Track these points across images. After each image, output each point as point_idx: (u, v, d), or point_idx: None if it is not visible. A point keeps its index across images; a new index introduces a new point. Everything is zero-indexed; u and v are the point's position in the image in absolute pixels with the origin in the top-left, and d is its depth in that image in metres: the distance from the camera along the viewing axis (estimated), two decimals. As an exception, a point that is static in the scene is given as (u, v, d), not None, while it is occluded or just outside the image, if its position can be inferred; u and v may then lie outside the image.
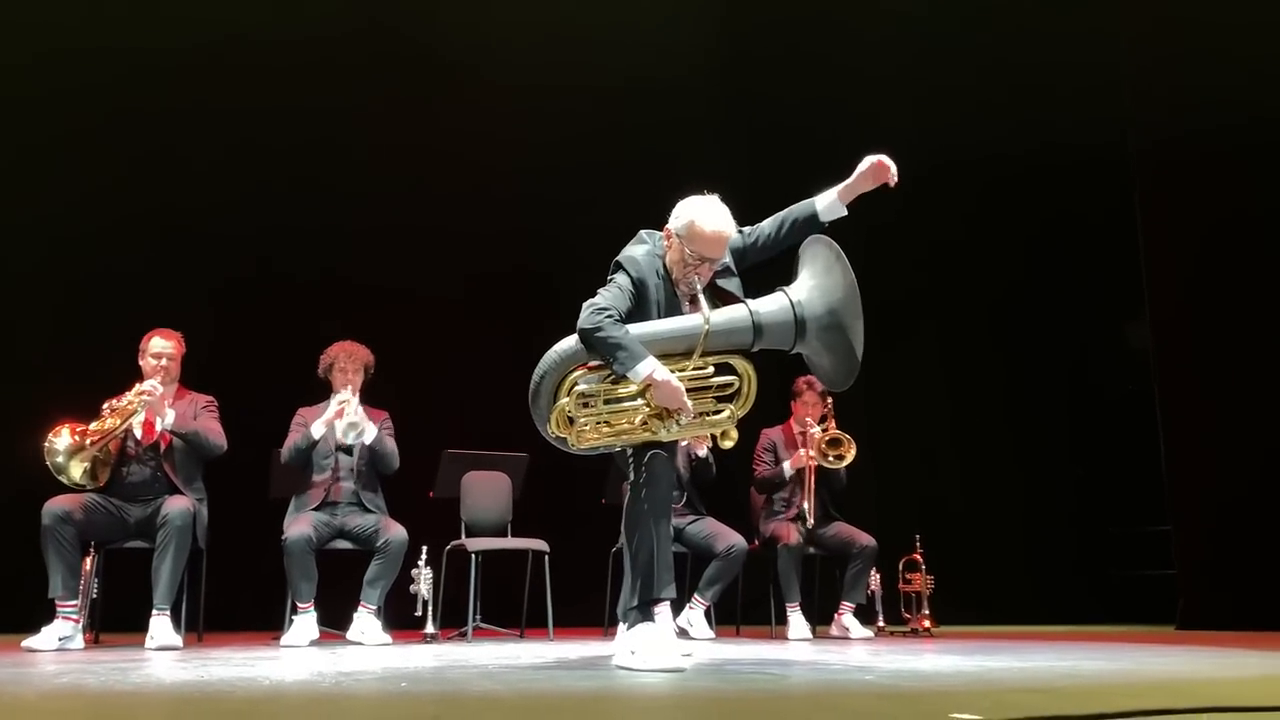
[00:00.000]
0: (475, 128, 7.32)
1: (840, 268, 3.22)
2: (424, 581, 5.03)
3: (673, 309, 3.39)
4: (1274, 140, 5.99)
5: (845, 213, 3.42)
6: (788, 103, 7.87)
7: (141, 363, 4.95)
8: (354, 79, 7.23)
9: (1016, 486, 8.00)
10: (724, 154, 7.48)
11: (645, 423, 3.21)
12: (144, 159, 6.75)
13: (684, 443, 5.27)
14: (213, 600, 5.15)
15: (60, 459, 4.60)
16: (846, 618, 5.59)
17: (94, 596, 4.90)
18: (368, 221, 7.12)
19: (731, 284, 3.44)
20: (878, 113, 7.57)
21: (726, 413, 3.31)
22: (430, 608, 5.04)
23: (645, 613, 3.22)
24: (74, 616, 4.54)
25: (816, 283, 3.27)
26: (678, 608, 5.33)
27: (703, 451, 5.52)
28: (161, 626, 4.53)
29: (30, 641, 4.42)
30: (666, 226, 3.41)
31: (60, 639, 4.45)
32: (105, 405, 4.83)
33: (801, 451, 5.66)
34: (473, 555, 5.31)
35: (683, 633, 5.27)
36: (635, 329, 3.21)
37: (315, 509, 5.08)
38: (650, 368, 3.13)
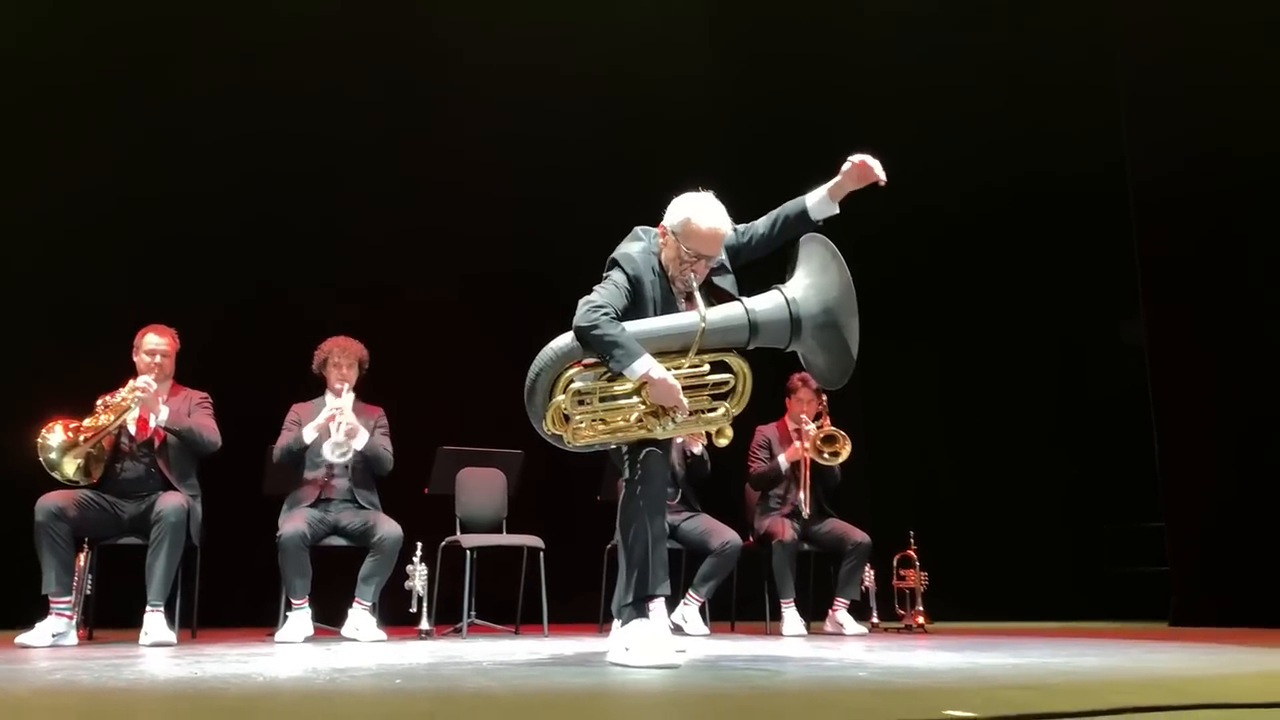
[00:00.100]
0: (473, 126, 7.33)
1: (836, 266, 3.23)
2: (419, 578, 5.03)
3: (668, 306, 3.39)
4: (1269, 139, 6.00)
5: (836, 210, 3.41)
6: (784, 100, 7.88)
7: (136, 359, 4.94)
8: (352, 76, 7.23)
9: (1011, 483, 8.02)
10: (721, 152, 7.48)
11: (641, 420, 3.21)
12: (137, 156, 6.74)
13: (679, 440, 5.28)
14: (207, 596, 5.14)
15: (54, 455, 4.59)
16: (841, 614, 5.60)
17: (87, 593, 4.88)
18: (364, 219, 7.12)
19: (726, 281, 3.45)
20: (875, 111, 7.59)
21: (721, 410, 3.31)
22: (425, 604, 5.04)
23: (639, 609, 3.23)
24: (68, 613, 4.53)
25: (812, 281, 3.27)
26: (672, 604, 5.33)
27: (698, 449, 5.53)
28: (155, 623, 4.53)
29: (24, 638, 4.41)
30: (662, 224, 3.41)
31: (54, 635, 4.44)
32: (99, 402, 4.82)
33: (797, 444, 5.67)
34: (468, 551, 5.30)
35: (677, 629, 5.28)
36: (631, 327, 3.21)
37: (310, 505, 5.07)
38: (646, 366, 3.13)
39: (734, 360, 3.30)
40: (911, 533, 6.04)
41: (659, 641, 3.22)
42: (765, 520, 5.68)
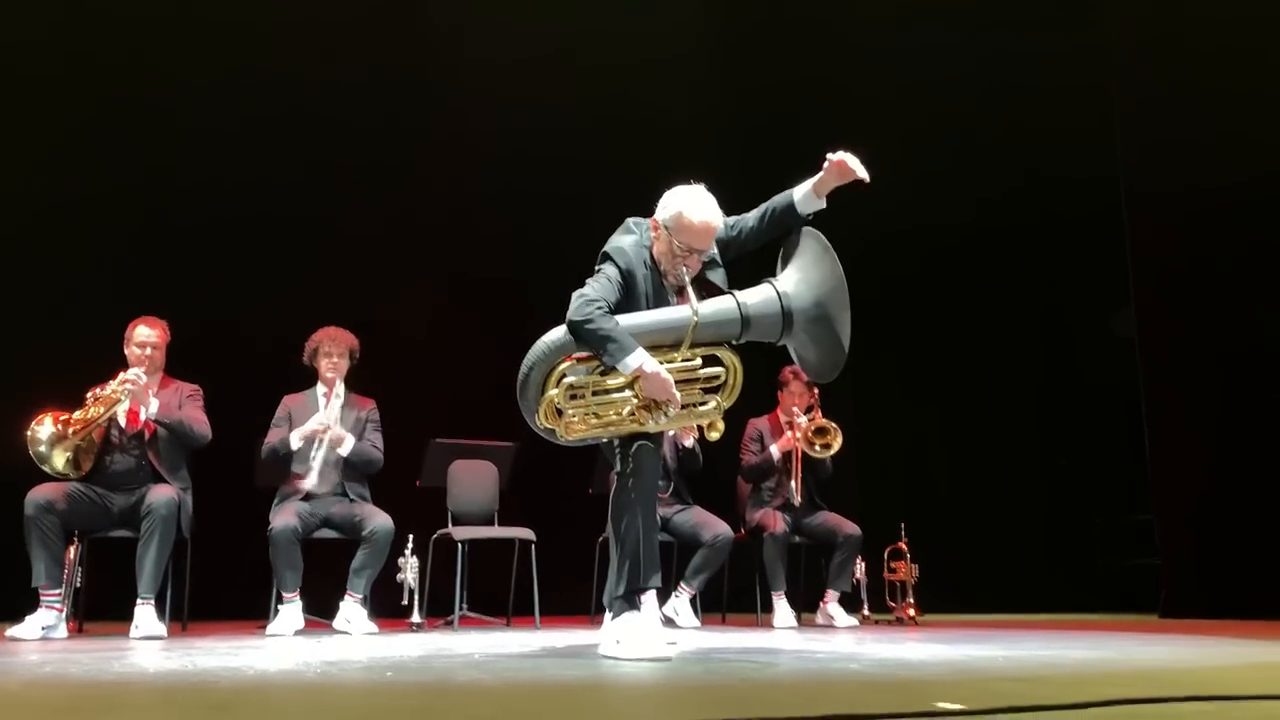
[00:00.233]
0: (467, 122, 7.31)
1: (829, 260, 3.23)
2: (410, 570, 5.02)
3: (660, 300, 3.39)
4: (1261, 132, 6.01)
5: (822, 205, 3.41)
6: (781, 98, 7.87)
7: (126, 351, 4.92)
8: (350, 72, 7.21)
9: (1001, 476, 8.04)
10: (716, 152, 7.45)
11: (633, 414, 3.21)
12: (127, 146, 6.71)
13: (671, 433, 5.28)
14: (197, 589, 5.14)
15: (43, 448, 4.58)
16: (832, 606, 5.61)
17: (77, 585, 4.87)
18: (357, 210, 7.10)
19: (716, 275, 3.45)
20: (875, 111, 7.58)
21: (713, 404, 3.31)
22: (416, 596, 5.04)
23: (631, 602, 3.23)
24: (57, 605, 4.52)
25: (804, 275, 3.27)
26: (664, 596, 5.34)
27: (689, 442, 5.53)
28: (146, 616, 4.52)
29: (13, 630, 4.40)
30: (654, 217, 3.40)
31: (44, 628, 4.43)
32: (89, 394, 4.80)
33: (789, 434, 5.68)
34: (459, 544, 5.30)
35: (669, 621, 5.29)
36: (624, 320, 3.21)
37: (301, 499, 5.06)
38: (640, 360, 3.13)
39: (725, 354, 3.30)
40: (903, 525, 6.05)
41: (650, 634, 3.22)
42: (757, 513, 5.70)
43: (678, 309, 3.31)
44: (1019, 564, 7.73)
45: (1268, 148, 5.96)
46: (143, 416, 4.82)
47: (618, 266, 3.33)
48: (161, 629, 4.55)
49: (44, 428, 4.59)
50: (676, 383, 3.20)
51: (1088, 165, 7.39)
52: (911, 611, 5.91)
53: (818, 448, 5.60)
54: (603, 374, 3.22)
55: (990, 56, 7.76)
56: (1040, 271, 8.22)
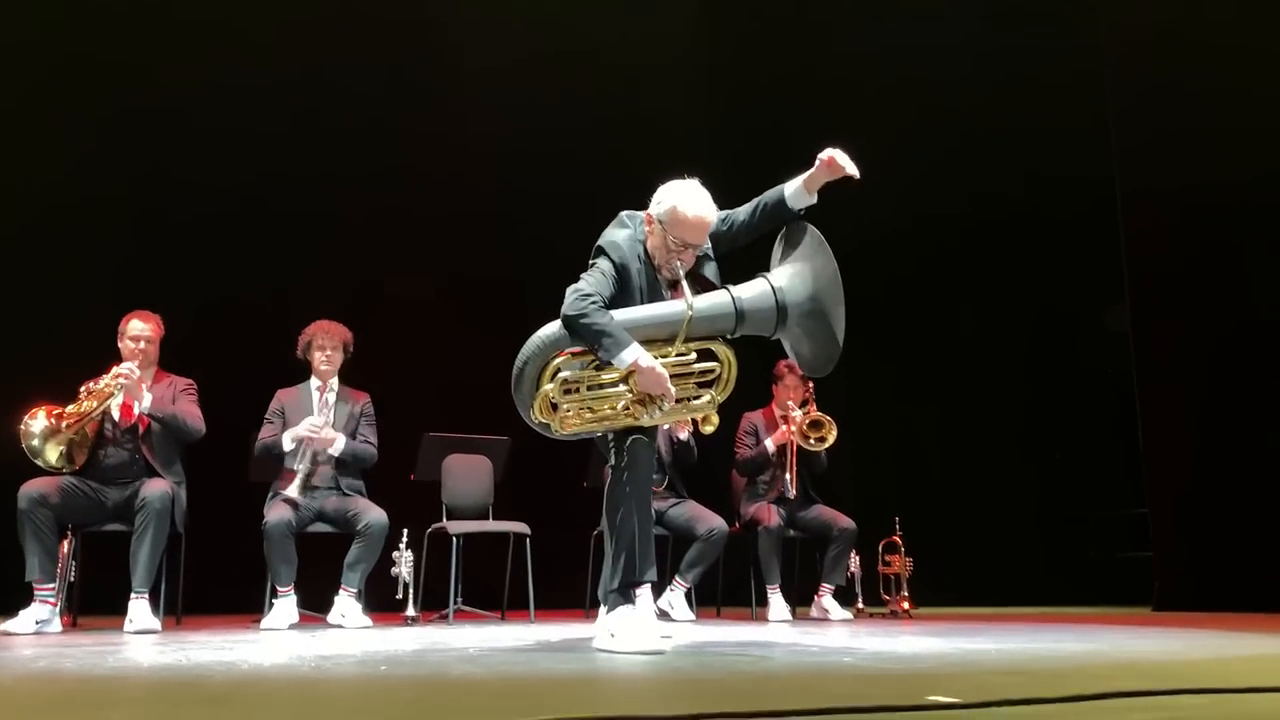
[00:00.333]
0: (462, 119, 7.28)
1: (823, 254, 3.23)
2: (405, 564, 5.02)
3: (654, 294, 3.39)
4: (1254, 129, 6.02)
5: (813, 200, 3.41)
6: (778, 97, 7.86)
7: (120, 345, 4.91)
8: (347, 71, 7.19)
9: (995, 470, 8.06)
10: (711, 151, 7.41)
11: (628, 408, 3.21)
12: (121, 142, 6.68)
13: (665, 426, 5.28)
14: (192, 583, 5.13)
15: (36, 442, 4.57)
16: (826, 599, 5.63)
17: (71, 580, 4.87)
18: (351, 206, 7.08)
19: (709, 269, 3.44)
20: (875, 109, 7.58)
21: (707, 398, 3.31)
22: (411, 590, 5.04)
23: (625, 595, 3.23)
24: (51, 599, 4.52)
25: (798, 269, 3.27)
26: (658, 590, 5.35)
27: (684, 435, 5.54)
28: (140, 610, 4.52)
29: (7, 625, 4.39)
30: (648, 211, 3.40)
31: (37, 622, 4.42)
32: (82, 388, 4.79)
33: (783, 427, 5.69)
34: (454, 538, 5.30)
35: (663, 615, 5.30)
36: (619, 315, 3.21)
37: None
38: (635, 354, 3.13)
39: (719, 348, 3.30)
40: (897, 518, 6.06)
41: (645, 627, 3.22)
42: (751, 506, 5.70)
43: (672, 303, 3.31)
44: (1013, 557, 7.74)
45: (1260, 144, 5.98)
46: (136, 410, 4.81)
47: (612, 261, 3.33)
48: (156, 623, 4.55)
49: (37, 421, 4.58)
50: (671, 377, 3.20)
51: (1081, 162, 7.40)
52: (905, 605, 5.92)
53: (812, 441, 5.61)
54: (597, 368, 3.21)
55: (984, 54, 7.77)
56: (1034, 267, 8.23)
